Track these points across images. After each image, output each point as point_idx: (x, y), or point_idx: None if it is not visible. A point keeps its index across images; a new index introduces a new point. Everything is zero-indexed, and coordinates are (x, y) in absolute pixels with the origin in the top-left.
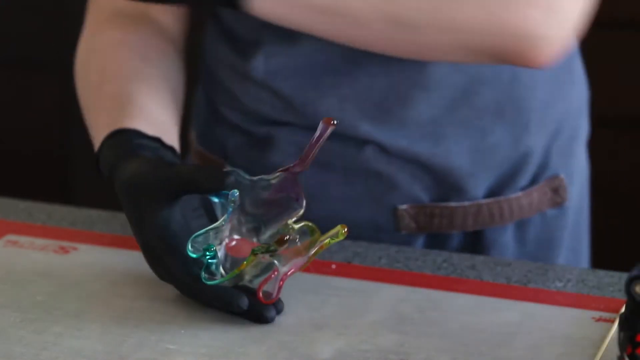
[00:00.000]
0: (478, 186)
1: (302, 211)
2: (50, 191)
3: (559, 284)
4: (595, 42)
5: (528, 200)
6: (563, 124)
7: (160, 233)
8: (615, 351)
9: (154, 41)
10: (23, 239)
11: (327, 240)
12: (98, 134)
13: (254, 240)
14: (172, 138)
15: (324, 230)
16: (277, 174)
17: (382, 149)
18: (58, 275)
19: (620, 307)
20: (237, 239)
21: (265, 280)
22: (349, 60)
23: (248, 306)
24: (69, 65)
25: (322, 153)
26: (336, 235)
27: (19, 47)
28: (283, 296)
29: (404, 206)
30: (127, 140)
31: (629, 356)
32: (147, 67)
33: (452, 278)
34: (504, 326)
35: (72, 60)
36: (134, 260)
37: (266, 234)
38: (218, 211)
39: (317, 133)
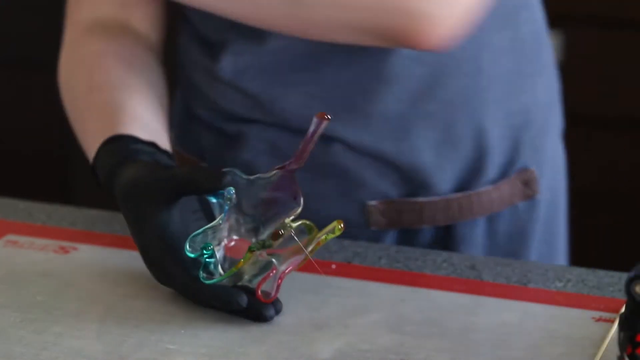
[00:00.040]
0: (445, 181)
1: (299, 209)
2: (50, 191)
3: (559, 284)
4: (596, 42)
5: (498, 193)
6: (530, 116)
7: (159, 235)
8: (615, 351)
9: (135, 51)
10: (23, 239)
11: (323, 237)
12: (91, 142)
13: (253, 240)
14: (164, 143)
15: (320, 228)
16: (274, 172)
17: (349, 146)
18: (58, 275)
19: (620, 307)
20: (236, 240)
21: (264, 279)
22: (314, 57)
23: (247, 304)
24: None
25: (291, 150)
26: (332, 231)
27: (19, 47)
28: (283, 296)
29: (373, 202)
30: (123, 145)
31: (629, 356)
32: (132, 76)
33: (452, 278)
34: (504, 326)
35: None
36: (134, 260)
37: (265, 234)
38: (216, 212)
39: (312, 128)
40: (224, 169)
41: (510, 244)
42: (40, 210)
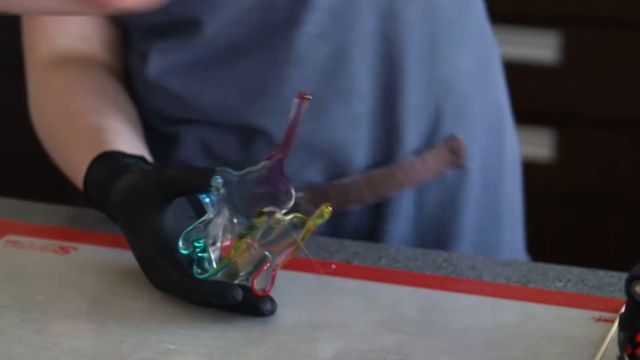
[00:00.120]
0: (363, 155)
1: (292, 202)
2: (50, 191)
3: (559, 284)
4: (596, 42)
5: (423, 164)
6: (452, 84)
7: (154, 236)
8: (615, 351)
9: (102, 79)
10: (23, 239)
11: (312, 223)
12: (78, 163)
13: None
14: (149, 159)
15: None
16: (262, 163)
17: (270, 138)
18: (58, 275)
19: (620, 307)
20: (231, 240)
21: (258, 273)
22: (230, 48)
23: (243, 299)
24: None
25: (222, 148)
26: (321, 214)
27: (19, 47)
28: (283, 296)
29: (299, 194)
30: (114, 160)
31: (629, 356)
32: (105, 101)
33: (452, 278)
34: (504, 326)
35: None
36: (133, 260)
37: (259, 233)
38: (209, 211)
39: (293, 111)
40: (214, 168)
41: (442, 213)
42: (40, 210)
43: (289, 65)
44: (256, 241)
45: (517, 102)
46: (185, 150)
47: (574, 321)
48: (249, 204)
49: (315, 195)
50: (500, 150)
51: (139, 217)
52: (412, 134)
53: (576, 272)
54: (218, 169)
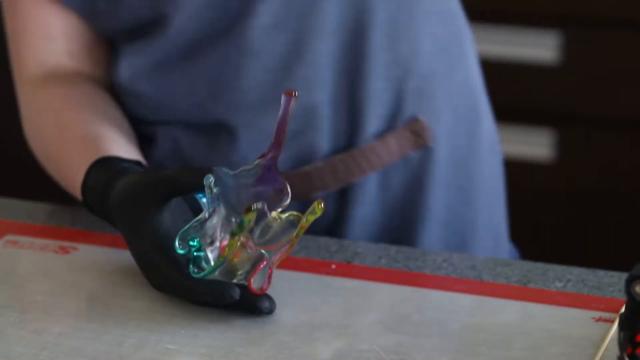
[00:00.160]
0: (327, 143)
1: (288, 201)
2: (50, 191)
3: (559, 284)
4: (596, 42)
5: (385, 148)
6: (412, 66)
7: (152, 236)
8: (615, 351)
9: (94, 92)
10: (23, 239)
11: (305, 220)
12: (75, 170)
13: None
14: (145, 164)
15: None
16: (256, 161)
17: (235, 134)
18: (58, 275)
19: (620, 307)
20: (228, 239)
21: (255, 271)
22: (193, 45)
23: (241, 297)
24: None
25: (192, 148)
26: (313, 211)
27: None
28: (283, 296)
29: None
30: (112, 165)
31: (629, 356)
32: (97, 114)
33: (452, 278)
34: (504, 326)
35: None
36: (133, 260)
37: (257, 232)
38: (204, 210)
39: (281, 109)
40: (212, 167)
41: (407, 193)
42: (40, 210)
43: (246, 58)
44: (251, 239)
45: (517, 102)
46: (159, 151)
47: (574, 321)
48: (246, 203)
49: None
50: (474, 130)
51: (137, 217)
52: (373, 118)
53: (576, 272)
54: (214, 168)
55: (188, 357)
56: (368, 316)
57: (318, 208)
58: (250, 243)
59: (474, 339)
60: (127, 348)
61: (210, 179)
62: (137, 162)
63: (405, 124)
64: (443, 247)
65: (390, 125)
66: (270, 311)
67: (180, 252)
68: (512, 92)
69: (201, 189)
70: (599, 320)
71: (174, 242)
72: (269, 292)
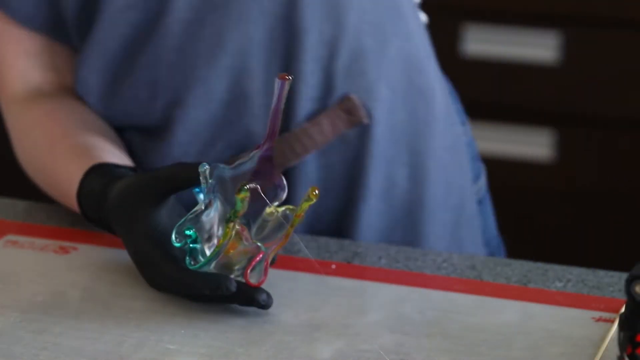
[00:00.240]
0: (260, 129)
1: (284, 194)
2: None
3: (559, 284)
4: (596, 42)
5: (317, 129)
6: (339, 43)
7: (150, 234)
8: (615, 351)
9: (80, 106)
10: (23, 239)
11: (300, 208)
12: (69, 181)
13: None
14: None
15: None
16: (252, 153)
17: (187, 129)
18: (58, 275)
19: (620, 307)
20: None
21: (251, 264)
22: (139, 42)
23: (238, 289)
24: None
25: (141, 151)
26: (308, 198)
27: None
28: (283, 296)
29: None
30: (108, 171)
31: (629, 356)
32: (86, 126)
33: (452, 278)
34: (504, 326)
35: None
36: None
37: (254, 229)
38: (200, 202)
39: (275, 95)
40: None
41: (348, 170)
42: (40, 210)
43: (173, 55)
44: (246, 229)
45: (517, 102)
46: (130, 154)
47: (574, 321)
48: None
49: None
50: (417, 105)
51: (134, 216)
52: (304, 101)
53: (576, 272)
54: (211, 163)
55: (188, 357)
56: (368, 316)
57: (312, 194)
58: (246, 233)
59: (474, 339)
60: (127, 348)
61: (205, 167)
62: (132, 168)
63: (337, 103)
64: (385, 221)
65: (321, 106)
66: (267, 304)
67: (177, 245)
68: (512, 92)
69: (197, 183)
70: (599, 320)
71: (171, 238)
72: (269, 292)
